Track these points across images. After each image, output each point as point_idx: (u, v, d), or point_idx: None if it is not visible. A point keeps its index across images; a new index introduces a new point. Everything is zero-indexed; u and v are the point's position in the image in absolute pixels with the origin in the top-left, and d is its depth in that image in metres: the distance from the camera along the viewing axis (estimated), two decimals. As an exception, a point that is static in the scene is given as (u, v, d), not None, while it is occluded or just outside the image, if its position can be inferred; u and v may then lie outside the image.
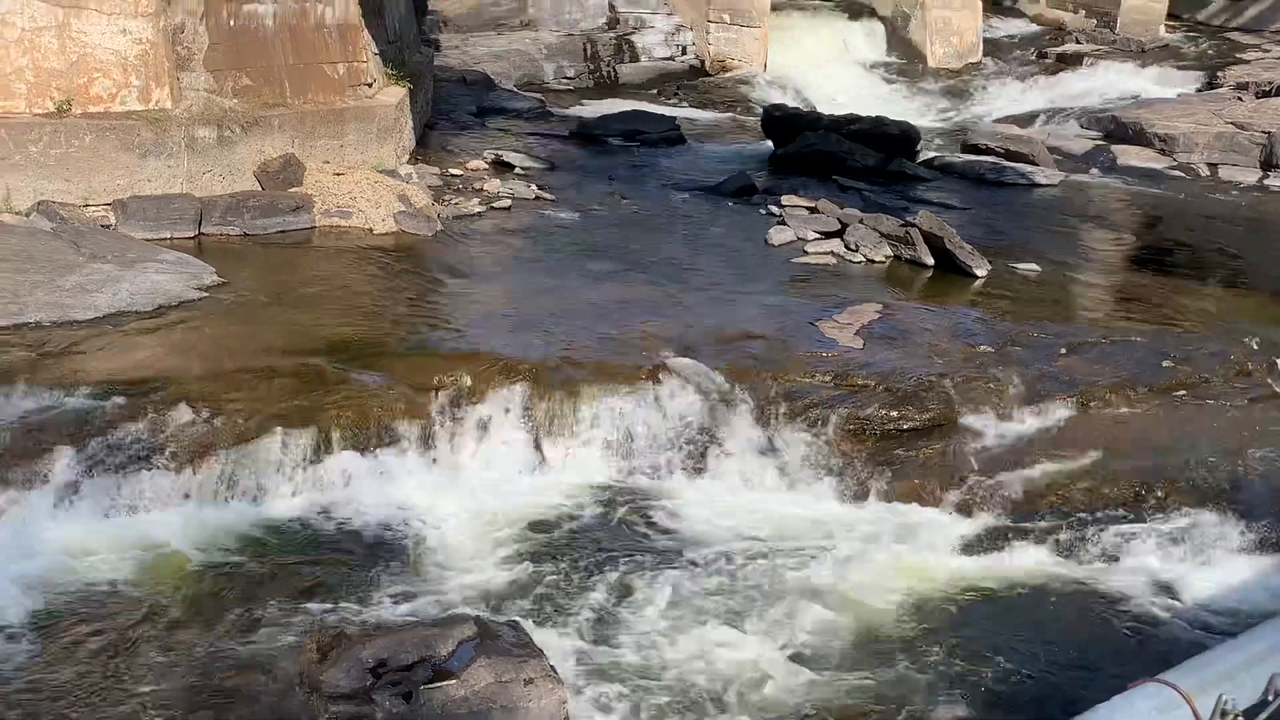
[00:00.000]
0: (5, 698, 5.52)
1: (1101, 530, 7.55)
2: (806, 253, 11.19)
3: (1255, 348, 9.31)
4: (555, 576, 6.83)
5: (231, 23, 11.02)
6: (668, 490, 7.84)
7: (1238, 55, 22.04)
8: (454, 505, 7.39)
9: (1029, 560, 7.35)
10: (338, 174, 11.26)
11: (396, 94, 12.51)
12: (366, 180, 11.27)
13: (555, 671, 5.66)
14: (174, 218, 10.29)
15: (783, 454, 8.00)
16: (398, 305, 9.27)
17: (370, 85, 12.14)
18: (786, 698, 5.99)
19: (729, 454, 8.01)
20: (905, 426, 8.11)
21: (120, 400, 7.33)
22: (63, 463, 6.90)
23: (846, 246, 11.26)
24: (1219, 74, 20.28)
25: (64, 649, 5.89)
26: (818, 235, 11.54)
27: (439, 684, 5.48)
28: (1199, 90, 19.94)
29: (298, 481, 7.30)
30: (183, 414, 7.29)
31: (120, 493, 6.95)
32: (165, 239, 10.11)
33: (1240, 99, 18.26)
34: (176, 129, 10.56)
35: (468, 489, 7.58)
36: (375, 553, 6.88)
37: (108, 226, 10.14)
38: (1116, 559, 7.39)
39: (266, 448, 7.28)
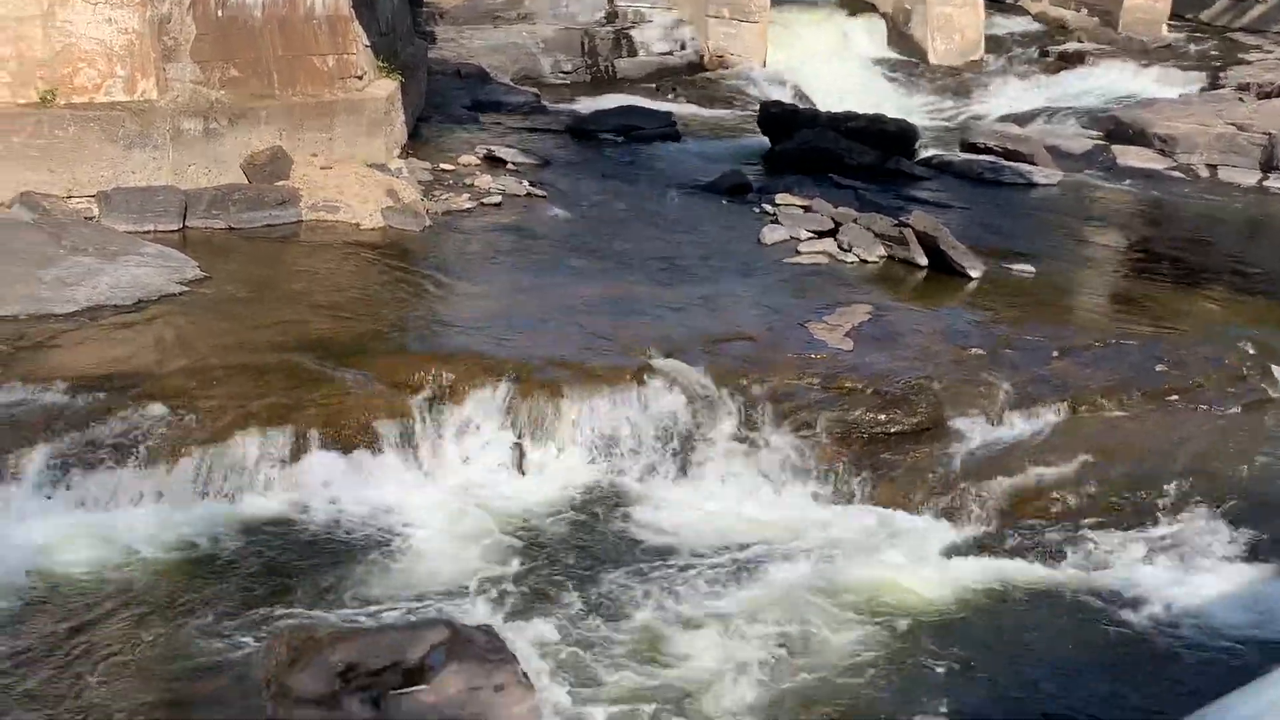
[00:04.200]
0: (-34, 698, 5.44)
1: (1090, 536, 7.47)
2: (799, 252, 11.07)
3: (1250, 352, 9.21)
4: (533, 579, 6.73)
5: (219, 13, 10.90)
6: (651, 492, 7.74)
7: (1240, 56, 21.93)
8: (433, 506, 7.29)
9: (1015, 566, 7.25)
10: (326, 168, 11.14)
11: (387, 87, 12.39)
12: (355, 174, 11.15)
13: (528, 678, 5.56)
14: (158, 210, 10.18)
15: (768, 457, 7.89)
16: (382, 302, 9.16)
17: (360, 78, 12.02)
18: (766, 702, 5.91)
19: (713, 456, 7.91)
20: (893, 430, 8.00)
21: (95, 396, 7.24)
22: (35, 459, 6.79)
23: (840, 246, 11.15)
24: (1221, 75, 20.17)
25: (29, 647, 5.79)
26: (811, 234, 11.42)
27: (409, 689, 5.38)
28: (1201, 91, 19.83)
29: (274, 481, 7.19)
30: (158, 411, 7.19)
31: (92, 490, 6.84)
32: (149, 232, 10.00)
33: (1242, 100, 18.14)
34: (162, 120, 10.45)
35: (447, 490, 7.48)
36: (350, 554, 6.78)
37: (91, 218, 10.04)
38: (1105, 566, 7.29)
39: (242, 446, 7.18)
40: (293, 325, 8.46)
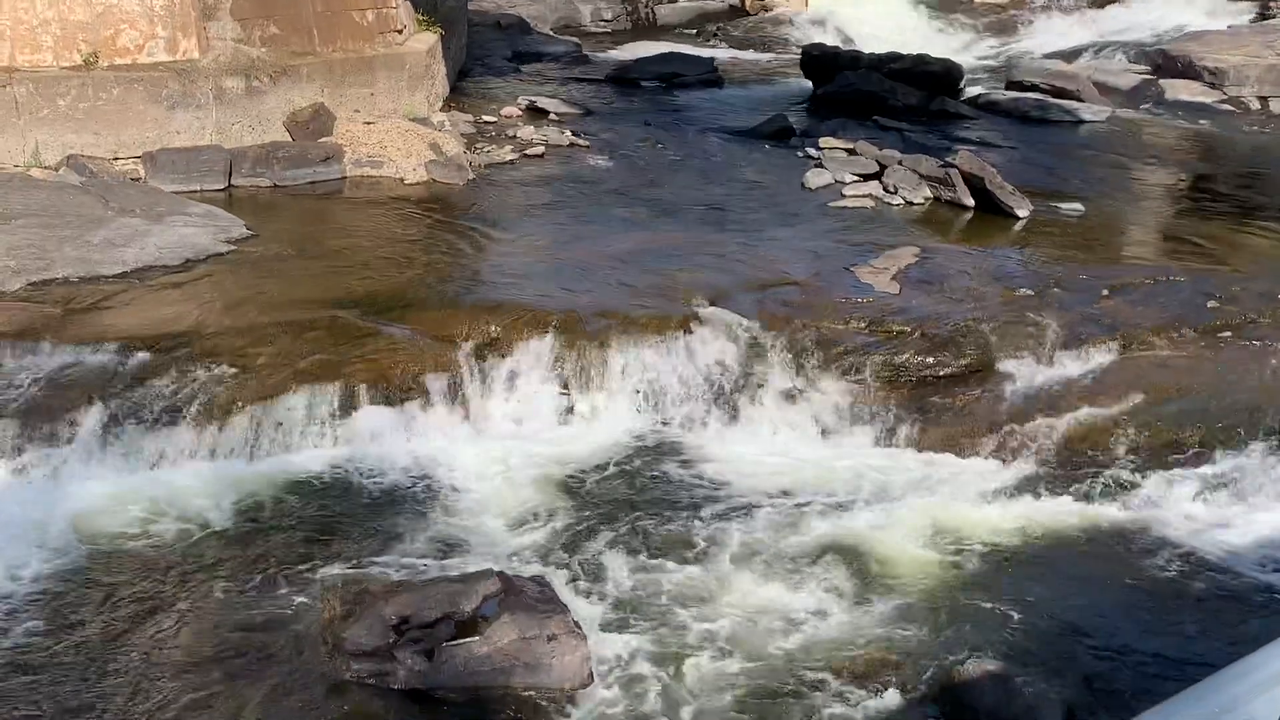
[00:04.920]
0: (31, 646, 5.53)
1: (1143, 475, 7.41)
2: (844, 196, 10.99)
3: (1304, 286, 9.06)
4: (583, 530, 6.75)
5: (258, -29, 10.91)
6: (699, 441, 7.74)
7: (1292, -16, 21.43)
8: (481, 458, 7.32)
9: (1067, 507, 7.21)
10: (368, 123, 11.15)
11: (428, 40, 12.36)
12: (397, 129, 11.16)
13: (579, 627, 5.60)
14: (203, 170, 10.24)
15: (817, 402, 7.87)
16: (427, 256, 9.18)
17: (400, 32, 12.00)
18: (817, 649, 5.90)
19: (762, 403, 7.90)
20: (942, 373, 7.95)
21: (146, 356, 7.31)
22: (89, 419, 6.88)
23: (885, 189, 11.06)
24: (1271, 4, 19.74)
25: (87, 603, 5.89)
26: (855, 178, 11.33)
27: (462, 641, 5.44)
28: (1250, 22, 19.42)
29: (325, 436, 7.25)
30: (208, 370, 7.25)
31: (146, 448, 6.92)
32: (195, 191, 10.07)
33: (1293, 29, 17.77)
34: (204, 80, 10.49)
35: (496, 441, 7.51)
36: (401, 508, 6.83)
37: (137, 180, 10.12)
38: (1158, 504, 7.24)
39: (293, 402, 7.24)
40: (339, 281, 8.50)
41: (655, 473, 7.39)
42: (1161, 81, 16.23)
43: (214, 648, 5.61)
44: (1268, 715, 2.82)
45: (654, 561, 6.52)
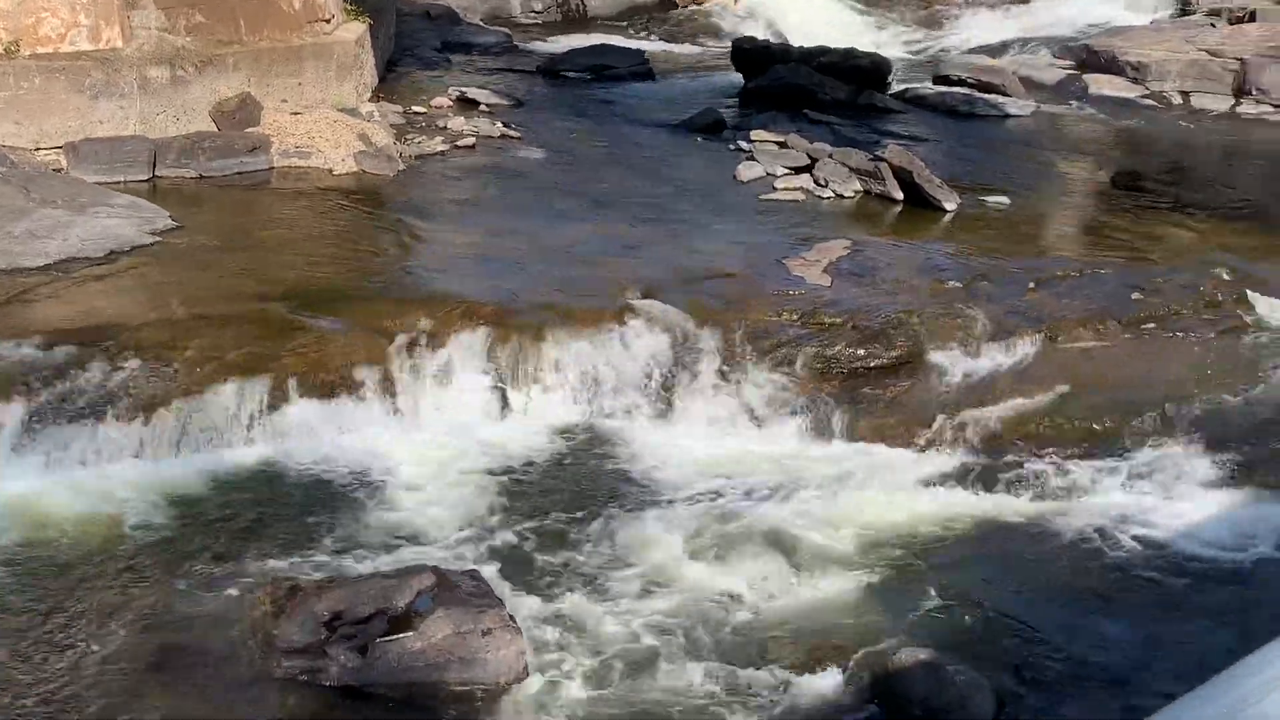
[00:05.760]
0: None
1: (1069, 465, 7.52)
2: (775, 189, 11.03)
3: (1226, 278, 9.22)
4: (518, 523, 6.74)
5: (182, -41, 10.75)
6: (634, 432, 7.74)
7: (1211, -19, 21.77)
8: (415, 452, 7.27)
9: (996, 497, 7.31)
10: (296, 113, 11.03)
11: (356, 30, 12.24)
12: (326, 119, 11.04)
13: (514, 621, 5.60)
14: (127, 160, 10.06)
15: (749, 394, 7.90)
16: (358, 248, 9.10)
17: (329, 21, 11.87)
18: (751, 639, 5.95)
19: (695, 395, 7.91)
20: (872, 364, 8.02)
21: (70, 350, 7.17)
22: (10, 415, 6.74)
23: (816, 182, 11.11)
24: (1191, 0, 20.05)
25: (8, 605, 5.76)
26: (787, 171, 11.38)
27: (395, 636, 5.41)
28: (1172, 17, 19.71)
29: (255, 431, 7.17)
30: (134, 363, 7.14)
31: (71, 445, 6.80)
32: (119, 182, 9.89)
33: (1213, 25, 18.03)
34: (128, 69, 10.31)
35: (429, 435, 7.46)
36: (333, 503, 6.77)
37: (59, 170, 9.93)
38: (1084, 494, 7.35)
39: (222, 396, 7.14)
40: (267, 273, 8.40)
41: (590, 465, 7.39)
42: (1085, 76, 16.41)
43: (142, 648, 5.52)
44: (1277, 712, 2.84)
45: (588, 554, 6.53)
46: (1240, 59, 15.87)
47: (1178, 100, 15.74)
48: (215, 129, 10.69)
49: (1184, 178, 12.36)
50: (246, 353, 7.39)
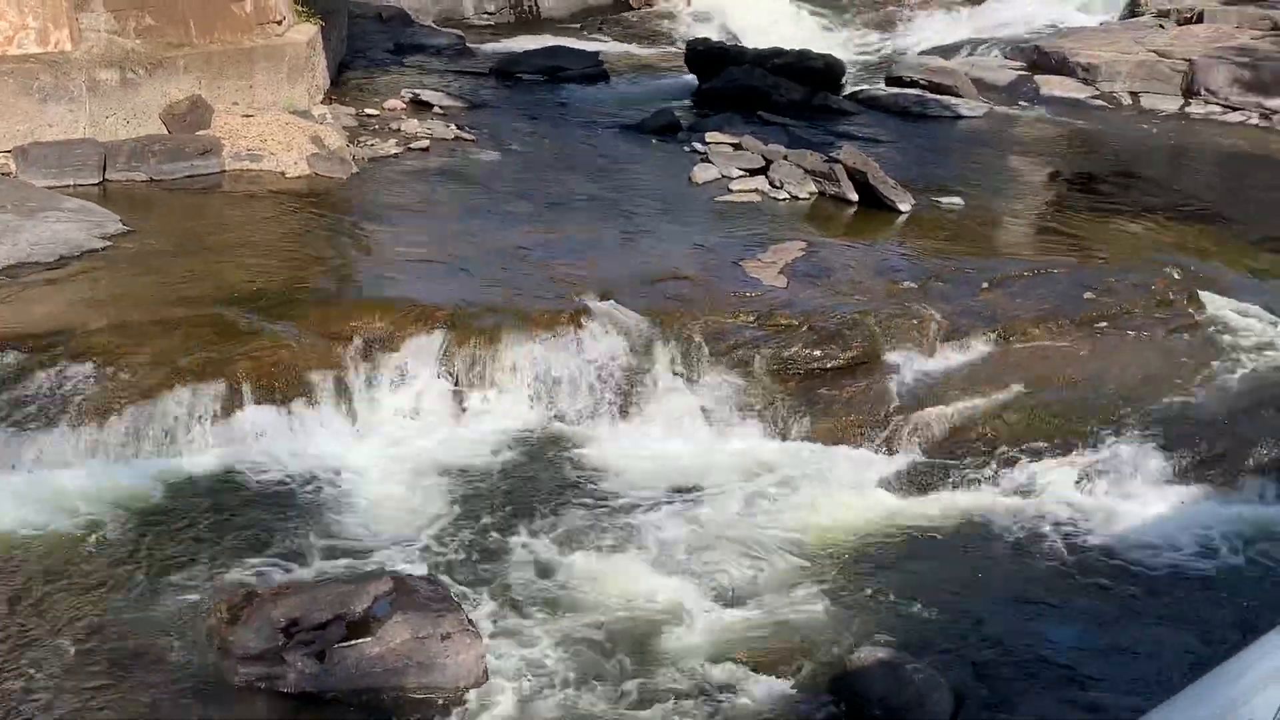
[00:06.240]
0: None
1: (1025, 464, 7.55)
2: (730, 190, 11.05)
3: (1176, 277, 9.32)
4: (476, 526, 6.71)
5: (131, -40, 10.64)
6: (592, 434, 7.72)
7: (1159, -18, 21.99)
8: (370, 457, 7.23)
9: (952, 496, 7.36)
10: (247, 116, 10.94)
11: (308, 32, 12.17)
12: (278, 122, 10.96)
13: (474, 625, 5.58)
14: (77, 164, 9.95)
15: (706, 395, 7.90)
16: (311, 251, 9.04)
17: (280, 23, 11.79)
18: (713, 641, 5.95)
19: (652, 397, 7.91)
20: (829, 365, 8.04)
21: (21, 355, 7.09)
22: (-40, 422, 6.67)
23: (771, 184, 11.13)
24: (1140, 1, 20.25)
25: (-37, 615, 5.70)
26: (742, 173, 11.39)
27: (353, 642, 5.38)
28: (1121, 18, 19.90)
29: (208, 436, 7.10)
30: (86, 368, 7.06)
31: (23, 451, 6.72)
32: (68, 186, 9.78)
33: (1162, 26, 18.22)
34: (77, 72, 10.20)
35: (385, 439, 7.42)
36: (289, 509, 6.72)
37: (8, 175, 9.80)
38: (1038, 492, 7.40)
39: (175, 402, 7.07)
40: (220, 277, 8.32)
41: (547, 468, 7.37)
42: (1037, 78, 16.55)
43: (97, 655, 5.46)
44: (1266, 714, 2.84)
45: (547, 557, 6.51)
46: (1189, 60, 16.05)
47: (1128, 101, 15.90)
48: (166, 132, 10.60)
49: (1134, 178, 12.48)
50: (199, 358, 7.32)
